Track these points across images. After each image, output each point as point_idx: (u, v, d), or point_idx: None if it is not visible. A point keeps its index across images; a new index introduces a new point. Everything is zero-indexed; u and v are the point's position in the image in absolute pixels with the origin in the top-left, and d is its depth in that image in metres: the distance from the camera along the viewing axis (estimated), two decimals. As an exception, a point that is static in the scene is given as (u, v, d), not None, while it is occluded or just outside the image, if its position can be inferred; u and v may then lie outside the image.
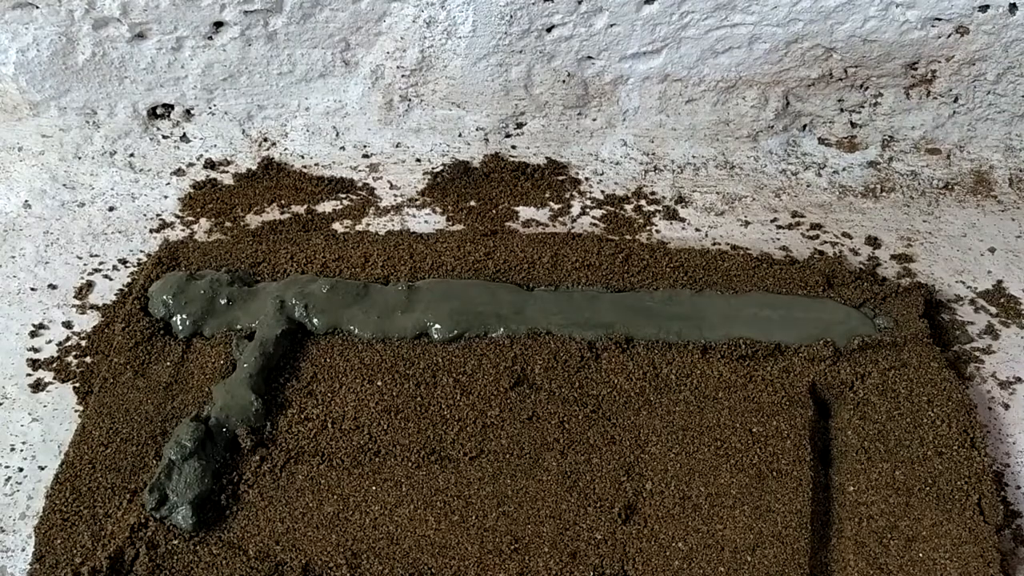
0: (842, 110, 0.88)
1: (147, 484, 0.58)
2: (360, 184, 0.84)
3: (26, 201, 0.81)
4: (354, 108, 0.89)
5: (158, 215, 0.81)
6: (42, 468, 0.62)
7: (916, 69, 0.84)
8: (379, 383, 0.65)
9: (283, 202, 0.82)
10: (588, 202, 0.83)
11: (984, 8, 0.79)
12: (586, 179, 0.86)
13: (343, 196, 0.83)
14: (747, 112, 0.88)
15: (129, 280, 0.75)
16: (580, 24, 0.82)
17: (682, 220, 0.82)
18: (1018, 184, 0.87)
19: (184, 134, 0.89)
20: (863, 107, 0.88)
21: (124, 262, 0.77)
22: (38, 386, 0.67)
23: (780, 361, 0.67)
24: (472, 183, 0.85)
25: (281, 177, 0.85)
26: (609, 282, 0.72)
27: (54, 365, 0.68)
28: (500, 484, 0.59)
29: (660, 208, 0.83)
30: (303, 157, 0.87)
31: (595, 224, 0.81)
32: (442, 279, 0.72)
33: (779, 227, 0.82)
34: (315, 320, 0.68)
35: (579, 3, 0.81)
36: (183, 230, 0.80)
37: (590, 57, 0.85)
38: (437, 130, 0.90)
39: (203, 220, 0.80)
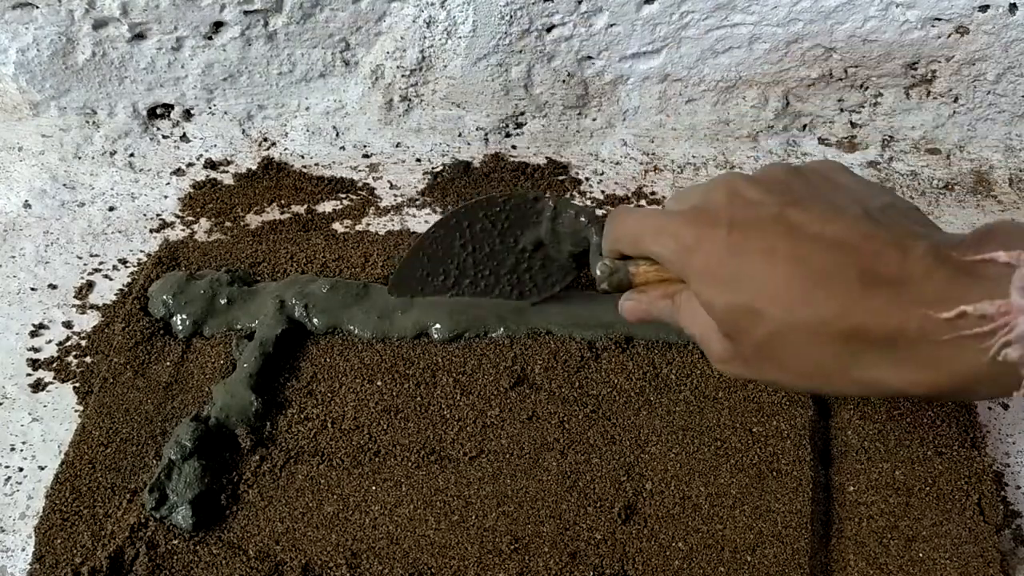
0: (842, 110, 0.88)
1: (147, 484, 0.58)
2: (360, 184, 0.85)
3: (26, 201, 0.81)
4: (354, 108, 0.90)
5: (158, 215, 0.81)
6: (42, 468, 0.62)
7: (916, 69, 0.84)
8: (379, 383, 0.65)
9: (283, 202, 0.82)
10: (588, 202, 0.83)
11: (984, 8, 0.79)
12: (586, 179, 0.86)
13: (343, 196, 0.83)
14: (747, 112, 0.88)
15: (129, 280, 0.75)
16: (580, 24, 0.82)
17: (682, 220, 0.82)
18: (1018, 184, 0.87)
19: (184, 134, 0.89)
20: (863, 107, 0.88)
21: (124, 262, 0.77)
22: (38, 386, 0.67)
23: (780, 361, 0.67)
24: (472, 183, 0.85)
25: (281, 177, 0.85)
26: (609, 282, 0.72)
27: (54, 365, 0.68)
28: (500, 484, 0.59)
29: (660, 208, 0.83)
30: (303, 157, 0.87)
31: (595, 224, 0.81)
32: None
33: (779, 227, 0.82)
34: (315, 320, 0.68)
35: (579, 3, 0.81)
36: (183, 230, 0.80)
37: (590, 57, 0.85)
38: (437, 130, 0.90)
39: (203, 220, 0.80)
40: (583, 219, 0.63)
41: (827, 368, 0.45)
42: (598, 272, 0.58)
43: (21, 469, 0.62)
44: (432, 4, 0.82)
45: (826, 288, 0.43)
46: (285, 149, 0.88)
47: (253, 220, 0.80)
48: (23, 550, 0.57)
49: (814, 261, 0.44)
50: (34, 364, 0.68)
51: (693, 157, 0.89)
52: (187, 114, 0.89)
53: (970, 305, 0.39)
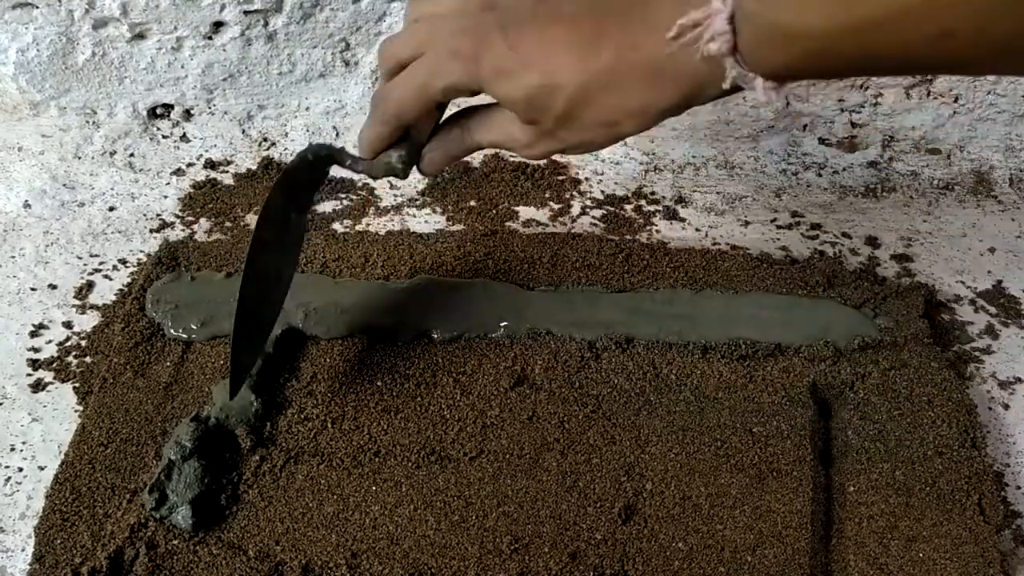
0: (842, 110, 0.88)
1: (147, 484, 0.58)
2: (360, 184, 0.84)
3: (26, 201, 0.81)
4: (354, 108, 0.90)
5: (158, 215, 0.81)
6: (42, 468, 0.62)
7: (916, 69, 0.84)
8: (379, 383, 0.65)
9: (283, 202, 0.82)
10: (588, 202, 0.83)
11: (984, 8, 0.79)
12: (586, 179, 0.86)
13: (343, 196, 0.83)
14: (747, 112, 0.88)
15: (129, 280, 0.75)
16: (580, 24, 0.82)
17: (682, 220, 0.82)
18: (1018, 184, 0.87)
19: (184, 134, 0.89)
20: (863, 107, 0.88)
21: (124, 262, 0.77)
22: (38, 386, 0.67)
23: (780, 361, 0.67)
24: (472, 183, 0.85)
25: (281, 177, 0.85)
26: (609, 282, 0.72)
27: (54, 365, 0.68)
28: (500, 484, 0.59)
29: (660, 208, 0.83)
30: (303, 157, 0.87)
31: (595, 224, 0.81)
32: (442, 279, 0.72)
33: (779, 227, 0.82)
34: (315, 329, 0.68)
35: (579, 3, 0.81)
36: (183, 230, 0.80)
37: (590, 57, 0.85)
38: (437, 130, 0.89)
39: (203, 220, 0.80)
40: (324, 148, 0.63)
41: (615, 111, 0.50)
42: (398, 165, 0.59)
43: (21, 469, 0.62)
44: (432, 4, 0.81)
45: (596, 40, 0.49)
46: (285, 149, 0.88)
47: (253, 220, 0.80)
48: (23, 550, 0.57)
49: (578, 23, 0.49)
50: (34, 364, 0.68)
51: (693, 157, 0.89)
52: (187, 114, 0.89)
53: (685, 18, 0.45)
